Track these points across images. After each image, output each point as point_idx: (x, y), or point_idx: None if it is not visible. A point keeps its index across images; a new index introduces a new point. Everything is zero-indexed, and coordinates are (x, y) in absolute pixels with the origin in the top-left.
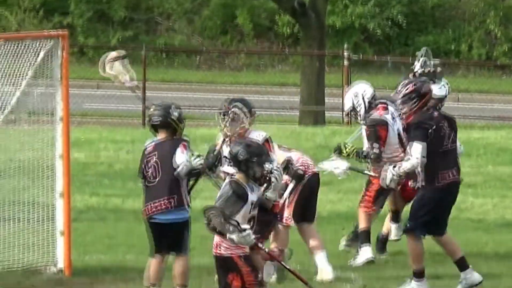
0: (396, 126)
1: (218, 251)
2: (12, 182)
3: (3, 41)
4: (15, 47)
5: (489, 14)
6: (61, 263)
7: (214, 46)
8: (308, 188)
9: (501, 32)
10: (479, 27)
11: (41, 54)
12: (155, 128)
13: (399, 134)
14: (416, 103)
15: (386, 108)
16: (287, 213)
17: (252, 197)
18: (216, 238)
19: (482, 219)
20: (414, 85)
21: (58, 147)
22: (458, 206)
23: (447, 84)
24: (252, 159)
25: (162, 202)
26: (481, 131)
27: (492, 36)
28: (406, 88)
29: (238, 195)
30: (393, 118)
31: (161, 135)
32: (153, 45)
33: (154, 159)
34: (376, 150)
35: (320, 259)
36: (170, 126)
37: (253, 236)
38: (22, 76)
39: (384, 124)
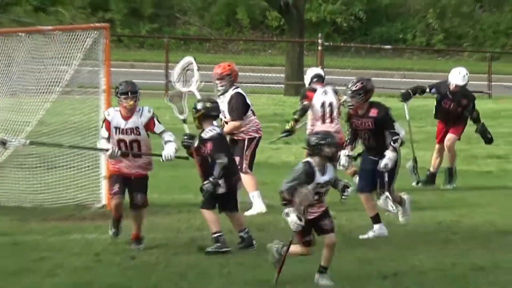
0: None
1: None
2: (67, 139)
3: (61, 31)
4: (70, 36)
5: (429, 10)
6: (104, 201)
7: (220, 35)
8: (256, 145)
9: (438, 24)
10: (421, 20)
11: (89, 42)
12: (209, 118)
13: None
14: (362, 98)
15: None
16: (245, 164)
17: (321, 178)
18: None
19: (422, 167)
20: (362, 83)
21: (101, 112)
22: (405, 157)
23: (467, 74)
24: (321, 141)
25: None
26: (422, 100)
27: (431, 27)
28: (355, 85)
29: (307, 174)
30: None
31: (206, 125)
32: (173, 34)
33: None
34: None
35: (256, 196)
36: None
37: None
38: (74, 58)
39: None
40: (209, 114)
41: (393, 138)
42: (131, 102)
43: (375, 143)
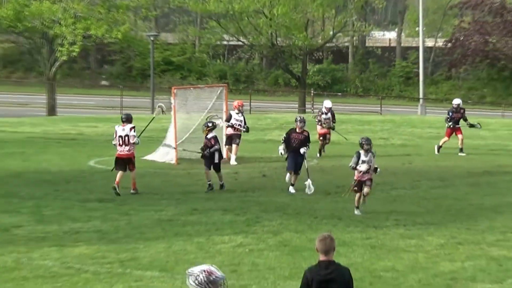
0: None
1: None
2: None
3: (207, 88)
4: (211, 90)
5: None
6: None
7: (273, 89)
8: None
9: None
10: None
11: (218, 91)
12: (212, 129)
13: None
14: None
15: None
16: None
17: (363, 157)
18: None
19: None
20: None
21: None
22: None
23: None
24: (362, 141)
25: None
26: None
27: None
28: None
29: (358, 156)
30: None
31: (210, 132)
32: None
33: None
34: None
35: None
36: None
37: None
38: (213, 98)
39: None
40: (213, 128)
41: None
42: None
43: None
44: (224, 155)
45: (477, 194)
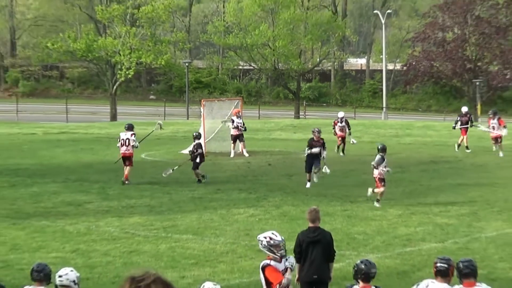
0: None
1: None
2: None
3: (229, 100)
4: (230, 101)
5: None
6: None
7: (273, 99)
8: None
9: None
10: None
11: (235, 103)
12: (199, 138)
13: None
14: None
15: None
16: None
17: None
18: None
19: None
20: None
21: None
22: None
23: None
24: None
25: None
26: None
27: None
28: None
29: (382, 159)
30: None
31: (197, 141)
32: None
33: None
34: None
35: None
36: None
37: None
38: (231, 108)
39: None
40: (199, 137)
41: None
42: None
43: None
44: (232, 150)
45: (426, 177)
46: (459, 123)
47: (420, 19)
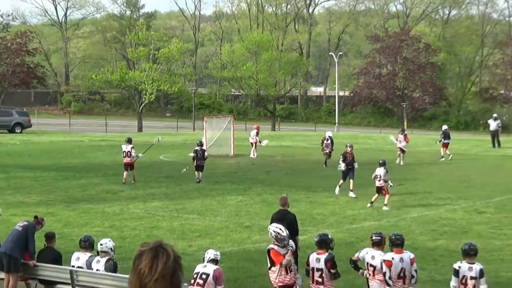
0: None
1: None
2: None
3: (218, 118)
4: (225, 119)
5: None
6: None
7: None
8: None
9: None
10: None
11: (228, 119)
12: (201, 145)
13: None
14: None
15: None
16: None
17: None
18: None
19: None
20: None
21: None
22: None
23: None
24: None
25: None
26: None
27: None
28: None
29: (386, 170)
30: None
31: (199, 147)
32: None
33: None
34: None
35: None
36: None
37: None
38: (225, 123)
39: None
40: (202, 144)
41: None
42: None
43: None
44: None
45: (367, 174)
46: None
47: (363, 59)
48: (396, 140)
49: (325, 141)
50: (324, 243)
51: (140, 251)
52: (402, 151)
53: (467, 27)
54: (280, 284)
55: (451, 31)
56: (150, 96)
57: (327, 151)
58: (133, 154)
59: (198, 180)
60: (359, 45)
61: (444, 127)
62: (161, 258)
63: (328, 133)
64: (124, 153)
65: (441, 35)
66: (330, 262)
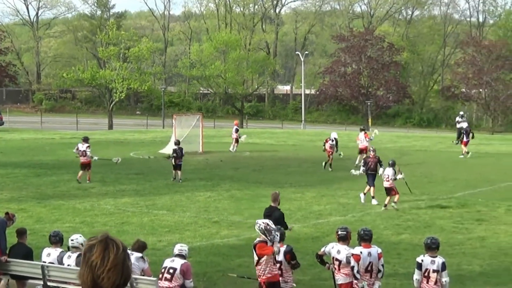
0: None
1: None
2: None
3: (188, 116)
4: (194, 116)
5: None
6: None
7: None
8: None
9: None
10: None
11: (197, 117)
12: (178, 144)
13: None
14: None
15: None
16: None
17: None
18: None
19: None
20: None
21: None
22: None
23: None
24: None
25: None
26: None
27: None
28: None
29: (394, 170)
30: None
31: (177, 146)
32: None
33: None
34: None
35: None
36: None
37: None
38: (194, 120)
39: None
40: (179, 143)
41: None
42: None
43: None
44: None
45: (333, 170)
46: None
47: (328, 58)
48: (366, 139)
49: (329, 142)
50: (282, 235)
51: (89, 244)
52: (363, 151)
53: (429, 27)
54: (269, 275)
55: (414, 31)
56: (120, 95)
57: (331, 152)
58: (88, 153)
59: (177, 179)
60: (324, 45)
61: (465, 125)
62: (112, 249)
63: (334, 134)
64: (80, 152)
65: (404, 35)
66: (289, 254)
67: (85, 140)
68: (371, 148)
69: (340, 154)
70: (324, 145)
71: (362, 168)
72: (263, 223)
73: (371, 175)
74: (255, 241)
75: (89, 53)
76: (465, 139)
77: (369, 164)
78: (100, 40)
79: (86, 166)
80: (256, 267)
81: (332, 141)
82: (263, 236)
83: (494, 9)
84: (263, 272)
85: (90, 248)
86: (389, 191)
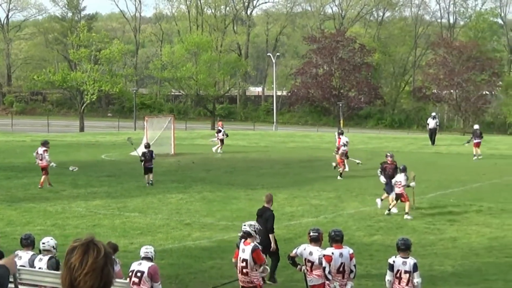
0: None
1: None
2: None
3: (159, 117)
4: (166, 118)
5: None
6: None
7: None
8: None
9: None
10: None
11: (169, 119)
12: (148, 147)
13: None
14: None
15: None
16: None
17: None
18: None
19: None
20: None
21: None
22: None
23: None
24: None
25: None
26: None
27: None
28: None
29: (406, 176)
30: None
31: (148, 149)
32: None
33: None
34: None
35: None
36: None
37: None
38: (166, 122)
39: None
40: (148, 146)
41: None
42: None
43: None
44: (219, 149)
45: (305, 171)
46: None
47: (300, 59)
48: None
49: (343, 147)
50: (248, 233)
51: (72, 246)
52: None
53: (400, 28)
54: (262, 281)
55: (385, 32)
56: (91, 97)
57: (343, 161)
58: (46, 157)
59: (150, 182)
60: (296, 46)
61: (476, 126)
62: (92, 253)
63: (345, 139)
64: (38, 155)
65: (375, 36)
66: (256, 252)
67: (44, 144)
68: (388, 154)
69: (359, 163)
70: (340, 152)
71: (382, 177)
72: (256, 223)
73: (390, 181)
74: (253, 245)
75: (60, 55)
76: (477, 141)
77: (387, 170)
78: (71, 42)
79: (43, 169)
80: (241, 272)
81: (345, 145)
82: (256, 236)
83: (465, 10)
84: (259, 279)
85: (71, 250)
86: (399, 196)
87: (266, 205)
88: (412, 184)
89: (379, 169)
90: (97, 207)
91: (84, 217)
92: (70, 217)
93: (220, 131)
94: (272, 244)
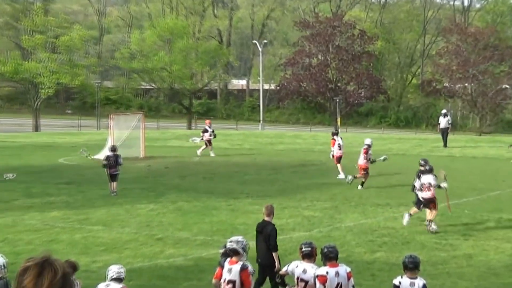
0: None
1: None
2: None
3: (126, 115)
4: (135, 116)
5: None
6: None
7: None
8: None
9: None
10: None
11: (138, 117)
12: (115, 150)
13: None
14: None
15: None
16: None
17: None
18: None
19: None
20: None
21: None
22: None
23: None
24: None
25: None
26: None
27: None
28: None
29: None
30: None
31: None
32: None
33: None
34: None
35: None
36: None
37: None
38: (134, 121)
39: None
40: (114, 149)
41: None
42: None
43: None
44: (210, 152)
45: (296, 177)
46: None
47: (290, 47)
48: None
49: (366, 153)
50: (234, 250)
51: (24, 266)
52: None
53: (407, 12)
54: None
55: (389, 16)
56: (48, 91)
57: (366, 167)
58: None
59: (114, 193)
60: (286, 32)
61: None
62: (47, 275)
63: (368, 140)
64: None
65: (378, 21)
66: (244, 272)
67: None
68: (422, 162)
69: (385, 159)
70: (364, 158)
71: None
72: (244, 240)
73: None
74: (243, 264)
75: (11, 42)
76: None
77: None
78: (24, 27)
79: None
80: None
81: (368, 147)
82: (244, 253)
83: None
84: None
85: (24, 270)
86: (429, 202)
87: (266, 218)
88: (444, 185)
89: (415, 178)
90: (54, 219)
91: (39, 231)
92: (23, 231)
93: (207, 130)
94: (276, 264)
